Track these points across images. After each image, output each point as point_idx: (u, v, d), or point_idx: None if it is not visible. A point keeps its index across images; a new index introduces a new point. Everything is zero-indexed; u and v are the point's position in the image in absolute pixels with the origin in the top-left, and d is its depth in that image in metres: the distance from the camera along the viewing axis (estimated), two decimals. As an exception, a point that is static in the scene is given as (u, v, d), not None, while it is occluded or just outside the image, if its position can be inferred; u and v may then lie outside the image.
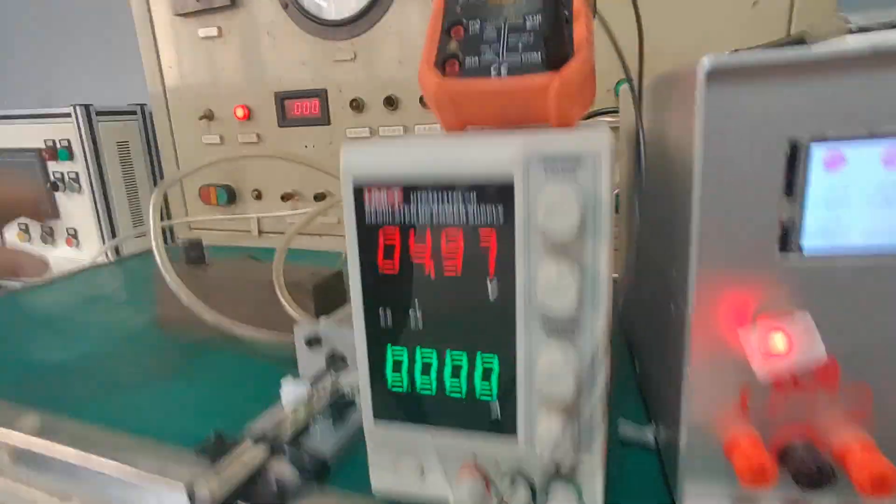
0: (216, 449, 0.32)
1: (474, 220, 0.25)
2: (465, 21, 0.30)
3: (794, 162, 0.24)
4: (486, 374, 0.26)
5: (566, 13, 0.29)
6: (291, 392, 0.32)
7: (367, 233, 0.26)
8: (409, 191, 0.25)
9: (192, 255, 0.56)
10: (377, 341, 0.27)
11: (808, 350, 0.24)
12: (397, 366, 0.27)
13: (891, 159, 0.23)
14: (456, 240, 0.25)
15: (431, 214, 0.25)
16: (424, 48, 0.30)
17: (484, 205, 0.24)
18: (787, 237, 0.25)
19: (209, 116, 0.79)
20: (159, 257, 0.49)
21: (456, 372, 0.27)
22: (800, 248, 0.25)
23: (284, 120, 0.75)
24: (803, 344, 0.24)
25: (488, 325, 0.25)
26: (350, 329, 0.41)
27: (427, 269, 0.26)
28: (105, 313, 0.64)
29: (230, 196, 0.81)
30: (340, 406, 0.37)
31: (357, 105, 0.71)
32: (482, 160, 0.24)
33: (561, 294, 0.23)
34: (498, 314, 0.25)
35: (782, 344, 0.24)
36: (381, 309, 0.27)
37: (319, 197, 0.75)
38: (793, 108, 0.23)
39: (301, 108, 0.74)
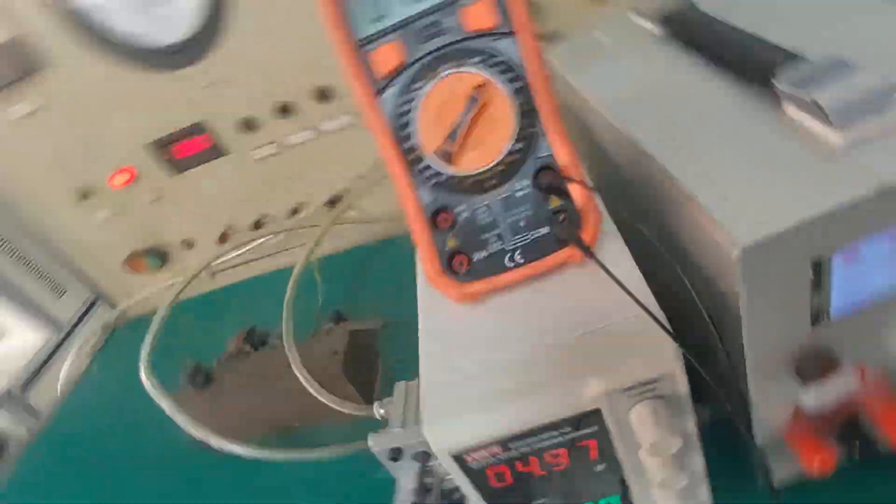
0: None
1: (572, 439, 0.27)
2: (448, 206, 0.28)
3: (819, 272, 0.26)
4: (610, 505, 0.31)
5: (555, 172, 0.27)
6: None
7: (475, 473, 0.28)
8: (506, 443, 0.26)
9: (199, 381, 0.55)
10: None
11: (849, 388, 0.29)
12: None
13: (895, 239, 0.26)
14: (559, 454, 0.27)
15: (531, 449, 0.27)
16: (421, 249, 0.29)
17: (577, 430, 0.26)
18: (818, 316, 0.28)
19: (85, 195, 0.68)
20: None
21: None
22: (828, 319, 0.28)
23: (176, 165, 0.66)
24: (846, 385, 0.29)
25: (601, 486, 0.29)
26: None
27: (538, 474, 0.28)
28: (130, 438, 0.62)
29: (162, 257, 0.75)
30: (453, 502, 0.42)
31: (248, 124, 0.62)
32: (567, 405, 0.25)
33: (669, 492, 0.26)
34: (608, 477, 0.29)
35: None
36: (505, 507, 0.30)
37: (259, 224, 0.70)
38: (814, 241, 0.24)
39: (187, 148, 0.64)
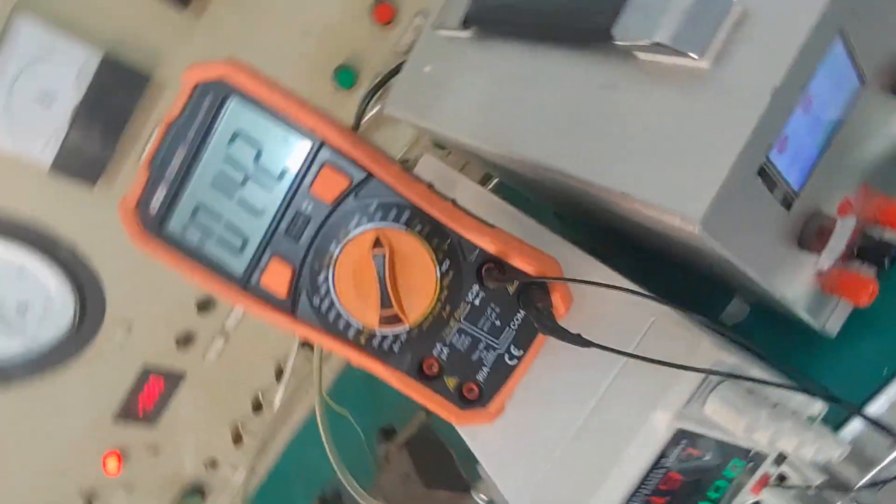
0: None
1: (672, 465, 0.26)
2: (425, 356, 0.27)
3: (766, 174, 0.25)
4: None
5: (493, 261, 0.26)
6: None
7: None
8: None
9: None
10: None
11: (850, 226, 0.29)
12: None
13: (805, 108, 0.25)
14: (669, 477, 0.27)
15: (646, 494, 0.26)
16: (429, 406, 0.27)
17: (676, 448, 0.25)
18: (787, 201, 0.28)
19: (93, 496, 0.65)
20: None
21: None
22: (795, 196, 0.28)
23: (150, 417, 0.63)
24: (847, 227, 0.29)
25: (716, 464, 0.29)
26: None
27: (663, 501, 0.28)
28: None
29: (199, 492, 0.71)
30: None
31: (183, 338, 0.59)
32: (650, 449, 0.24)
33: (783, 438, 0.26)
34: (720, 454, 0.28)
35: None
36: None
37: (257, 404, 0.68)
38: (748, 163, 0.24)
39: (147, 397, 0.61)
